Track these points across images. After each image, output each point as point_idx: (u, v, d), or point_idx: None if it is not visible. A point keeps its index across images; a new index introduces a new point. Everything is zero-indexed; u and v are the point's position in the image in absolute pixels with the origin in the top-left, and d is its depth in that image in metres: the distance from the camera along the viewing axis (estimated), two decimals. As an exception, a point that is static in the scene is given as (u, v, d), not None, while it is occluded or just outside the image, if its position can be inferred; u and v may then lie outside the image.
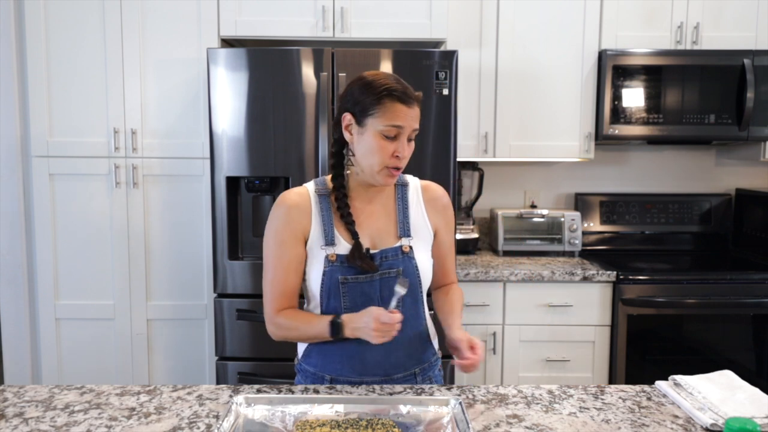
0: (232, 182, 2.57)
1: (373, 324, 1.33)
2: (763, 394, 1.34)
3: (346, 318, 1.41)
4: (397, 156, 1.40)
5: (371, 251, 1.47)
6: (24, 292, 2.85)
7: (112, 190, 2.73)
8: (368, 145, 1.40)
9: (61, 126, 2.71)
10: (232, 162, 2.51)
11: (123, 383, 2.60)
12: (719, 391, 1.35)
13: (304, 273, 1.50)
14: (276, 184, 2.60)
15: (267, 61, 2.48)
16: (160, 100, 2.70)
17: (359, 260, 1.43)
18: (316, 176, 2.51)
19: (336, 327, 1.41)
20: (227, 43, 2.78)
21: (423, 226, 1.53)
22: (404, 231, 1.50)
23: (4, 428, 1.21)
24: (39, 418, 1.26)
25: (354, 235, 1.46)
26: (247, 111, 2.49)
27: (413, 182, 1.58)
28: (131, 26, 2.66)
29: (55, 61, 2.68)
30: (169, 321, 2.78)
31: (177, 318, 2.77)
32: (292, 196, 1.50)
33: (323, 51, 2.48)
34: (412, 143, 1.44)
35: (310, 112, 2.49)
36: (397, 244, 1.49)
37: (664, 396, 1.40)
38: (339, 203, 1.47)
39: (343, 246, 1.46)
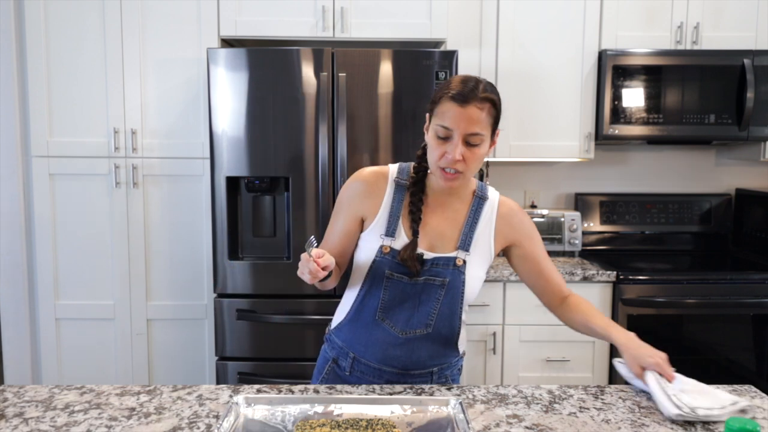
0: (232, 182, 2.57)
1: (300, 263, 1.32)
2: (720, 391, 1.34)
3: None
4: (447, 157, 1.36)
5: (424, 255, 1.45)
6: (24, 292, 2.85)
7: (112, 190, 2.73)
8: (428, 143, 1.42)
9: (61, 126, 2.71)
10: (232, 162, 2.51)
11: (123, 383, 2.60)
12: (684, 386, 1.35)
13: (356, 251, 1.51)
14: (276, 184, 2.60)
15: (267, 61, 2.48)
16: (160, 100, 2.70)
17: (409, 259, 1.42)
18: (316, 176, 2.53)
19: None
20: (227, 43, 2.78)
21: (485, 243, 1.50)
22: (464, 244, 1.47)
23: (4, 428, 1.21)
24: (39, 418, 1.26)
25: (414, 233, 1.45)
26: (247, 111, 2.49)
27: (493, 197, 1.53)
28: (131, 26, 2.66)
29: (55, 61, 2.68)
30: (169, 321, 2.78)
31: (177, 318, 2.77)
32: (371, 174, 1.51)
33: (323, 51, 2.48)
34: (478, 149, 1.37)
35: (310, 112, 2.49)
36: (452, 255, 1.46)
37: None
38: (412, 198, 1.47)
39: (402, 241, 1.45)
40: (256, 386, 1.42)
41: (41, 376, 2.82)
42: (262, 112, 2.50)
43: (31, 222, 2.83)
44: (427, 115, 1.43)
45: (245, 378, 2.57)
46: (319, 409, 1.28)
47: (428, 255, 1.45)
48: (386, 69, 2.47)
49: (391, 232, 1.46)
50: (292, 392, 1.39)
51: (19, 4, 2.74)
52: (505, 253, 1.57)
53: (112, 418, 1.25)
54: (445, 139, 1.36)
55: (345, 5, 2.65)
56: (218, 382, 2.59)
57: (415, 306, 1.46)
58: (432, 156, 1.40)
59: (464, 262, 1.46)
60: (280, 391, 1.39)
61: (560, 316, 1.58)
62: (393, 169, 1.52)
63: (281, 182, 2.59)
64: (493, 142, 1.43)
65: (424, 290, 1.46)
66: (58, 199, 2.74)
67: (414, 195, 1.47)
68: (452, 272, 1.45)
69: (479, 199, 1.51)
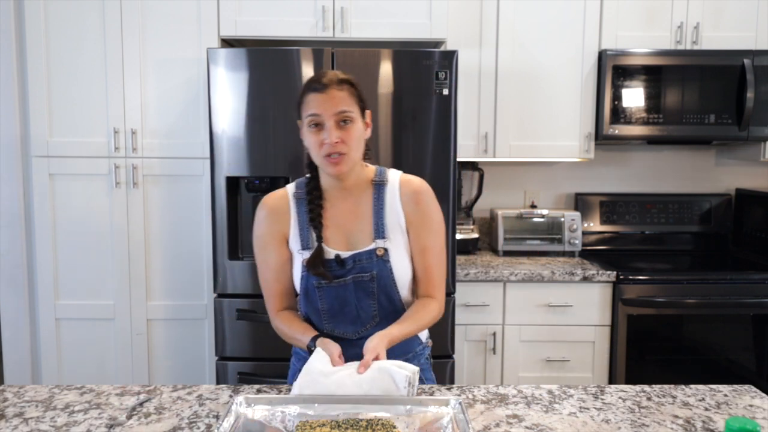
0: (232, 182, 2.56)
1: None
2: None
3: (320, 343, 1.40)
4: (325, 144, 1.38)
5: (342, 255, 1.45)
6: (24, 292, 2.85)
7: (112, 190, 2.73)
8: (306, 142, 1.44)
9: (61, 126, 2.71)
10: (232, 162, 2.51)
11: (123, 383, 2.60)
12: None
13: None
14: (276, 184, 2.59)
15: (267, 61, 2.48)
16: (160, 100, 2.70)
17: (317, 267, 1.43)
18: (316, 176, 2.52)
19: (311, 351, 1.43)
20: (227, 43, 2.78)
21: (397, 225, 1.48)
22: (379, 232, 1.47)
23: (4, 428, 1.21)
24: (39, 418, 1.26)
25: (318, 239, 1.46)
26: (247, 111, 2.49)
27: (393, 179, 1.51)
28: (131, 26, 2.66)
29: (55, 61, 2.68)
30: (169, 321, 2.78)
31: (177, 318, 2.77)
32: (271, 200, 1.53)
33: (323, 51, 2.47)
34: (352, 127, 1.41)
35: (310, 112, 2.49)
36: (371, 247, 1.46)
37: (664, 396, 1.40)
38: (310, 205, 1.48)
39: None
40: (256, 386, 1.42)
41: (41, 376, 2.82)
42: (262, 112, 2.49)
43: (31, 222, 2.82)
44: (298, 122, 1.46)
45: (245, 378, 2.57)
46: (319, 409, 1.28)
47: (345, 254, 1.45)
48: (386, 69, 2.47)
49: (305, 244, 1.48)
50: (292, 392, 1.39)
51: (19, 4, 2.74)
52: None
53: (112, 418, 1.25)
54: (318, 127, 1.39)
55: (345, 5, 2.65)
56: (218, 382, 2.59)
57: (355, 305, 1.47)
58: (314, 151, 1.42)
59: (385, 250, 1.46)
60: (280, 391, 1.39)
61: None
62: (291, 186, 1.54)
63: (281, 182, 2.59)
64: (367, 123, 1.48)
65: (356, 288, 1.46)
66: (58, 199, 2.74)
67: (311, 202, 1.48)
68: (377, 264, 1.45)
69: (378, 185, 1.50)
